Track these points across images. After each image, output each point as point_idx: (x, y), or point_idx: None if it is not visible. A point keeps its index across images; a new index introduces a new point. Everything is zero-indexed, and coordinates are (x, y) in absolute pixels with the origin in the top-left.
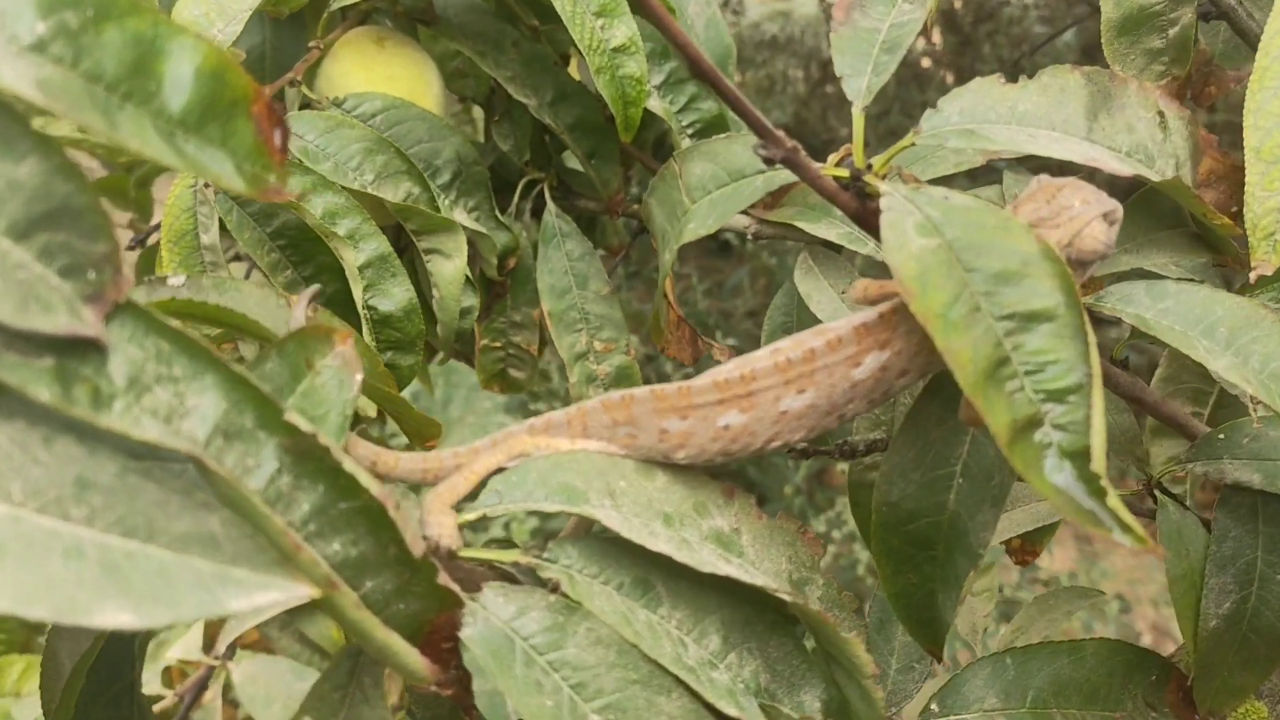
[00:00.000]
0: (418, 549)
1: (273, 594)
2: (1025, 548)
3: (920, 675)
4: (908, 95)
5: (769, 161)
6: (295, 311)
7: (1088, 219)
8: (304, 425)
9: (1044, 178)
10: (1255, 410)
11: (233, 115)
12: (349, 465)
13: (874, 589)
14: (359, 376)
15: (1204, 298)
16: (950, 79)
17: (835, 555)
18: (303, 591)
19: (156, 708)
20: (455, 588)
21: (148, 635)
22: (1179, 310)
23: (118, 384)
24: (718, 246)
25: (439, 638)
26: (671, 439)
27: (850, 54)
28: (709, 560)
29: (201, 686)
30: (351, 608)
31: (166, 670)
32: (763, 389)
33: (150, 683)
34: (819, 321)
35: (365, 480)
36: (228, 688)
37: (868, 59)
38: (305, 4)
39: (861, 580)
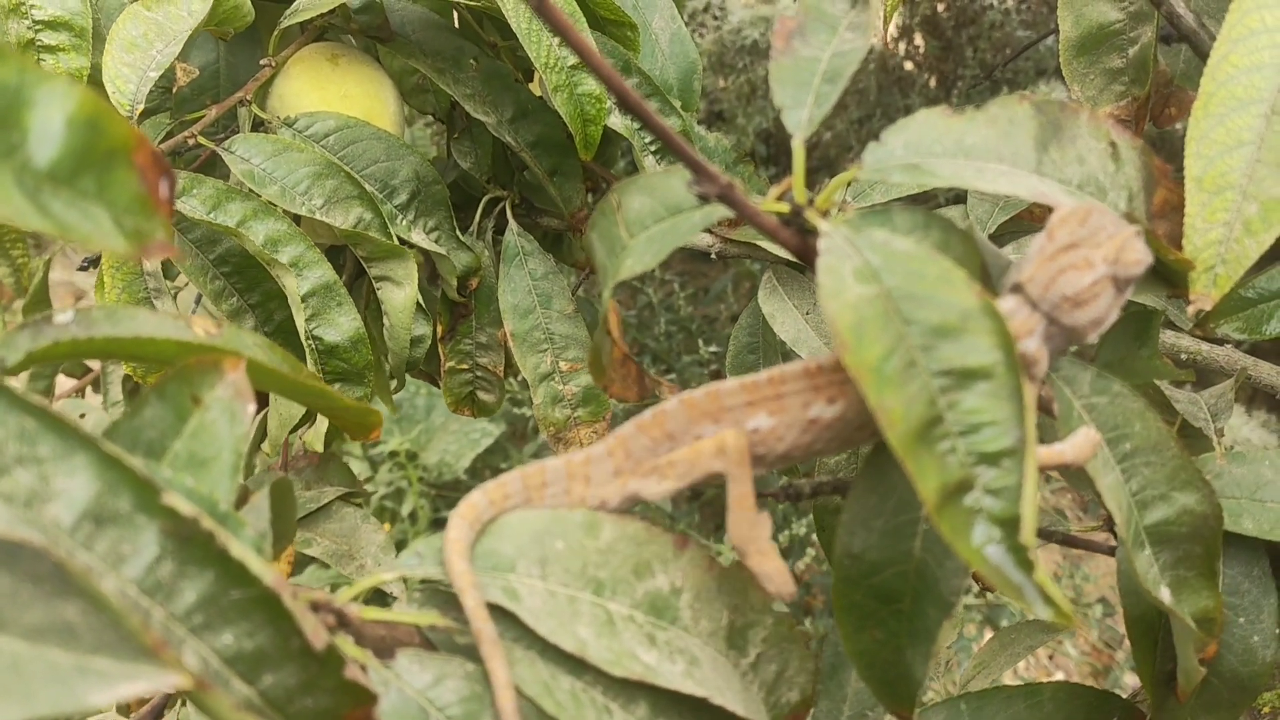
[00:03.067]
0: (319, 641)
1: (139, 684)
2: None
3: None
4: (890, 100)
5: (704, 199)
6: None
7: (1126, 236)
8: (184, 509)
9: (1068, 201)
10: (1219, 444)
11: (110, 165)
12: (238, 550)
13: (833, 627)
14: (251, 407)
15: (1133, 410)
16: (933, 83)
17: (814, 561)
18: (173, 680)
19: None
20: (367, 682)
21: None
22: (1106, 412)
23: None
24: (702, 252)
25: None
26: None
27: (790, 85)
28: (628, 647)
29: (157, 715)
30: (229, 710)
31: None
32: (791, 393)
33: (107, 709)
34: (783, 342)
35: (257, 567)
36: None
37: (808, 89)
38: (250, 24)
39: None
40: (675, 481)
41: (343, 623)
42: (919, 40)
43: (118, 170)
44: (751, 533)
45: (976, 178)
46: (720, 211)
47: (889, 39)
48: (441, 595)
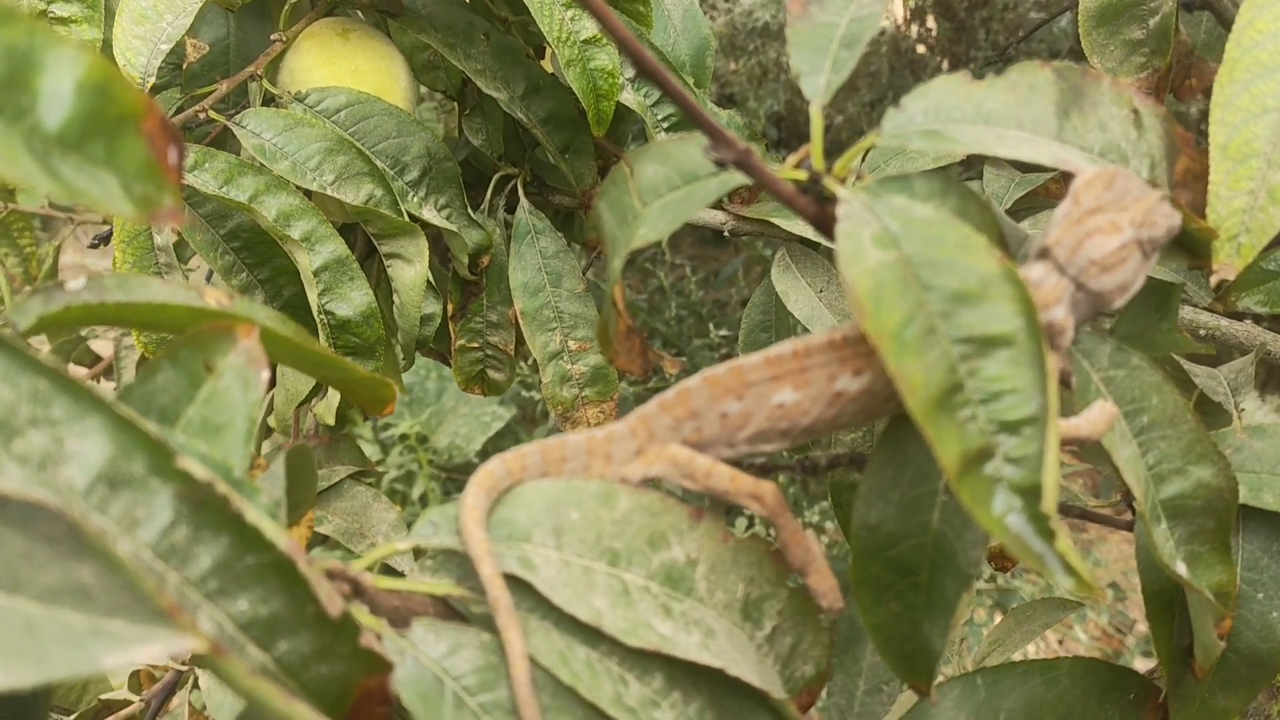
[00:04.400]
0: (334, 608)
1: (154, 647)
2: (1004, 553)
3: (889, 697)
4: (902, 82)
5: (720, 164)
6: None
7: (1153, 199)
8: (199, 473)
9: (1089, 168)
10: (1239, 418)
11: (120, 132)
12: (253, 516)
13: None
14: (265, 374)
15: (1151, 384)
16: (945, 65)
17: (828, 544)
18: (189, 644)
19: (123, 713)
20: (382, 649)
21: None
22: (1124, 385)
23: None
24: (712, 235)
25: (371, 702)
26: (733, 421)
27: (808, 50)
28: (643, 618)
29: (169, 692)
30: (244, 675)
31: (135, 675)
32: (817, 365)
33: (119, 687)
34: (797, 320)
35: (272, 532)
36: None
37: (825, 55)
38: None
39: None
40: (698, 486)
41: (358, 591)
42: (931, 22)
43: (126, 136)
44: (808, 556)
45: (997, 144)
46: (736, 180)
47: (904, 20)
48: (456, 564)
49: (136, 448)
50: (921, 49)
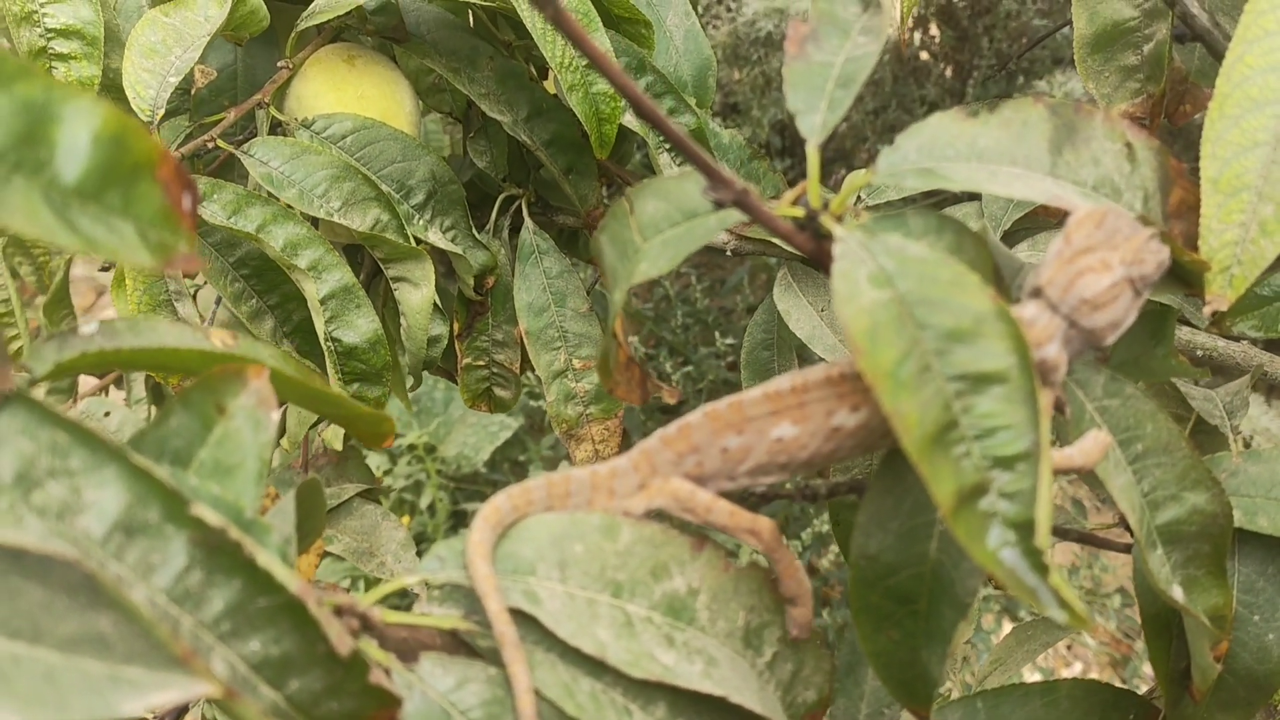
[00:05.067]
0: (344, 647)
1: (171, 693)
2: None
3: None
4: (905, 90)
5: (719, 204)
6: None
7: (1143, 238)
8: (212, 519)
9: (1083, 204)
10: (1235, 443)
11: (136, 180)
12: (264, 559)
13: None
14: (275, 415)
15: (1145, 412)
16: (949, 73)
17: (837, 554)
18: (203, 689)
19: None
20: (391, 686)
21: None
22: (1118, 414)
23: (3, 480)
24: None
25: None
26: (733, 455)
27: (804, 89)
28: (646, 649)
29: (182, 709)
30: (257, 715)
31: None
32: (814, 400)
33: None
34: (798, 339)
35: (283, 575)
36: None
37: (821, 94)
38: (266, 28)
39: None
40: (698, 520)
41: (366, 626)
42: (934, 30)
43: (142, 184)
44: (800, 589)
45: (990, 181)
46: (736, 216)
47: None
48: (463, 597)
49: (151, 495)
50: (925, 56)
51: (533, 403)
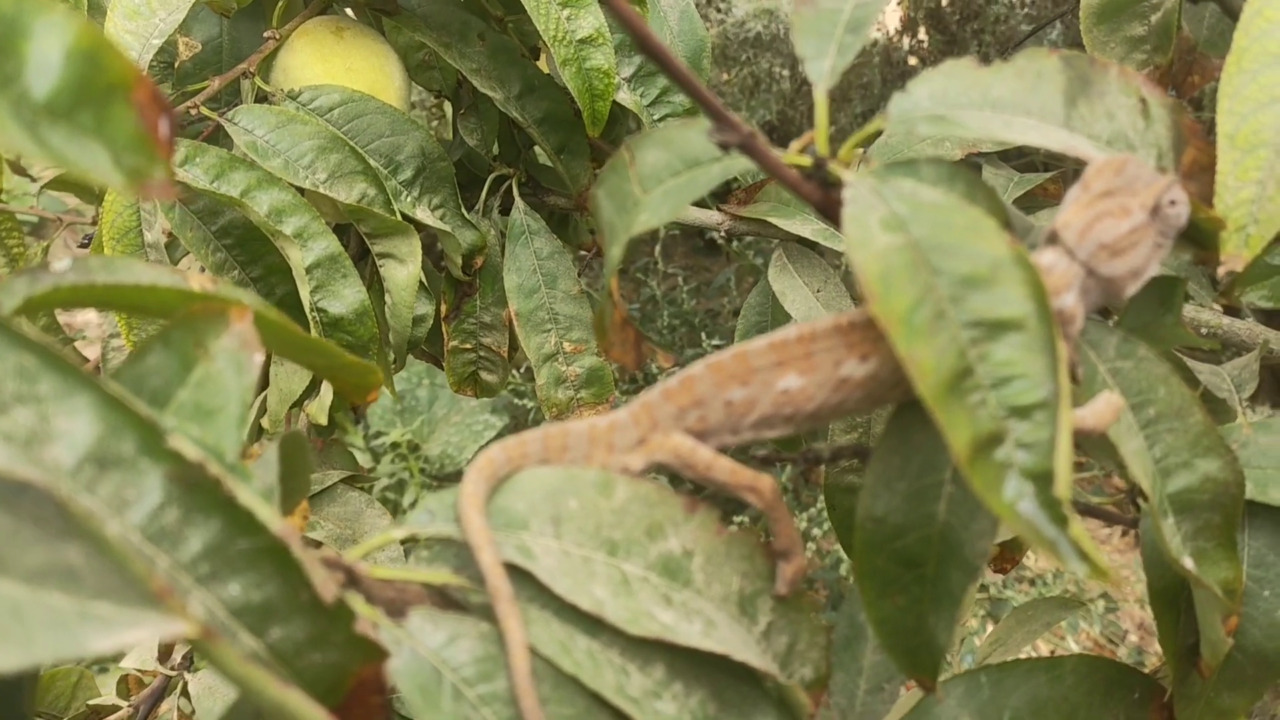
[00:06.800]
0: (328, 594)
1: (143, 631)
2: (1004, 555)
3: (890, 696)
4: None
5: (724, 147)
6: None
7: (1165, 184)
8: (190, 452)
9: (1098, 155)
10: (1244, 414)
11: (109, 101)
12: (245, 498)
13: (847, 593)
14: (259, 357)
15: (1158, 375)
16: None
17: (819, 552)
18: (178, 628)
19: (112, 719)
20: (377, 637)
21: (35, 673)
22: (1131, 377)
23: None
24: (705, 245)
25: (366, 691)
26: (737, 407)
27: (813, 35)
28: (645, 607)
29: (158, 698)
30: (236, 661)
31: (123, 680)
32: (822, 350)
33: (107, 693)
34: (793, 320)
35: (265, 516)
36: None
37: (830, 39)
38: (253, 0)
39: (845, 579)
40: (698, 477)
41: (353, 581)
42: (923, 35)
43: (116, 106)
44: (792, 543)
45: (1004, 130)
46: (739, 165)
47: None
48: (453, 553)
49: (126, 427)
50: (914, 60)
51: (517, 401)
